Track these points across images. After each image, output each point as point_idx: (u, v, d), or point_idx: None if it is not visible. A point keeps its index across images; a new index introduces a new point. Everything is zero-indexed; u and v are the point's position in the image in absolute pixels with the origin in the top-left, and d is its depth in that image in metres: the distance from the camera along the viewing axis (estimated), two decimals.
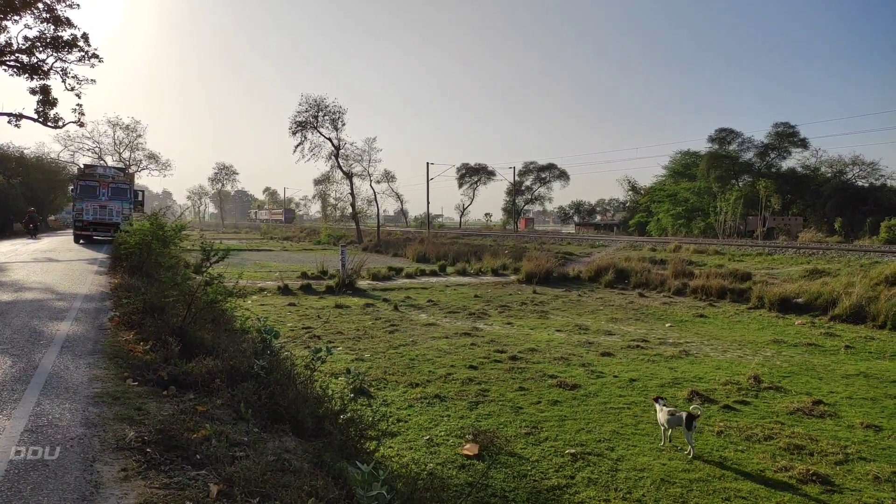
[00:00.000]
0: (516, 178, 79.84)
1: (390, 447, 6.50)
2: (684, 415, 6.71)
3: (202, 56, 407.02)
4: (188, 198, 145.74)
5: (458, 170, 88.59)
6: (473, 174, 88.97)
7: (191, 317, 6.84)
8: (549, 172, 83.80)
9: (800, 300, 17.12)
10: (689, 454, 6.66)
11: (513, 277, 25.78)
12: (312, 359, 5.70)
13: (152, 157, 69.26)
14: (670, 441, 6.91)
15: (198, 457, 3.70)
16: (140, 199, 28.22)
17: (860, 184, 56.60)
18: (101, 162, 57.62)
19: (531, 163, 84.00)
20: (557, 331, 14.30)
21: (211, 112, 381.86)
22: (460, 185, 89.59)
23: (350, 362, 10.60)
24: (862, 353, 12.17)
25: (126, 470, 3.46)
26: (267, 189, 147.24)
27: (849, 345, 12.81)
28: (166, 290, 8.11)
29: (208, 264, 7.09)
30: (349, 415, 5.24)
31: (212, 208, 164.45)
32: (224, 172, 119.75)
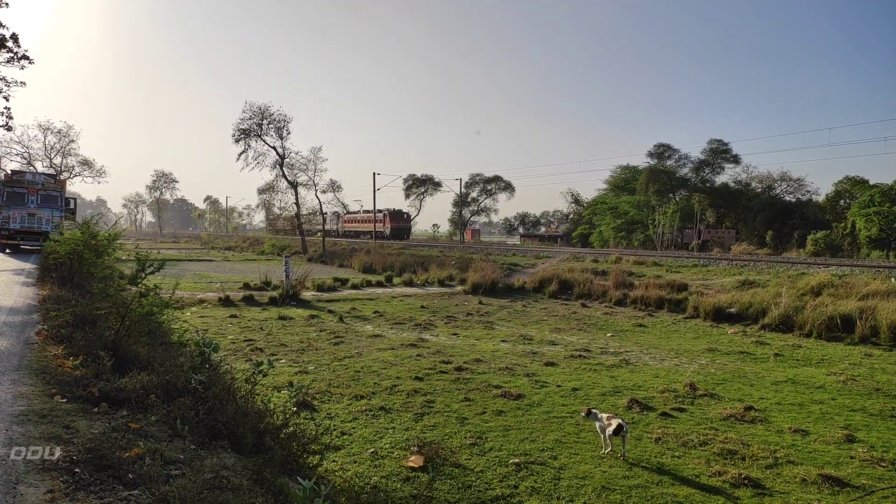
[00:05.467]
0: (463, 189, 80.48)
1: (334, 461, 6.40)
2: (615, 423, 6.89)
3: (140, 59, 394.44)
4: (124, 206, 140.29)
5: (405, 180, 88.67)
6: (420, 185, 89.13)
7: (124, 330, 6.58)
8: (495, 184, 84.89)
9: (732, 310, 17.85)
10: (605, 454, 7.00)
11: (459, 288, 25.91)
12: (254, 372, 5.56)
13: (86, 163, 66.47)
14: (611, 448, 7.06)
15: (130, 476, 3.56)
16: (72, 206, 27.09)
17: (788, 199, 59.74)
18: (31, 168, 54.87)
19: (477, 174, 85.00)
20: (502, 341, 14.44)
21: (149, 117, 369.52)
22: (407, 196, 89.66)
23: (293, 375, 10.40)
24: (790, 361, 12.76)
25: (53, 492, 3.29)
26: (208, 198, 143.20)
27: (778, 353, 13.41)
28: (98, 302, 7.79)
29: (143, 275, 6.84)
30: (291, 429, 5.14)
31: (150, 217, 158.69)
32: (163, 180, 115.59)
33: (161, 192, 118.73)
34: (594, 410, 7.48)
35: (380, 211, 72.64)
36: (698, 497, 5.95)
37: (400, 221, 73.23)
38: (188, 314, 16.34)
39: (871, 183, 49.68)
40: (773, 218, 53.28)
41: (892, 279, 19.62)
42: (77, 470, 3.56)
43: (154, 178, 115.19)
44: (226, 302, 19.48)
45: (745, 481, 6.28)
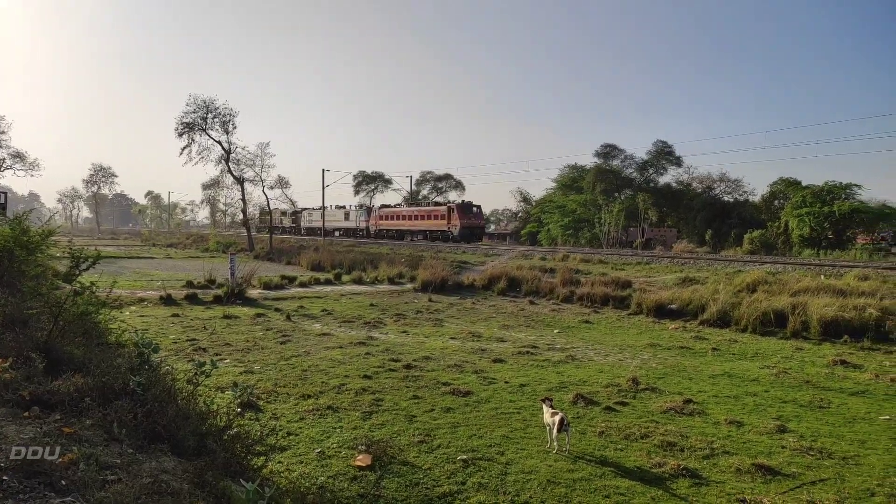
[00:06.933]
0: (413, 187, 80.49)
1: (280, 462, 6.31)
2: (557, 418, 7.02)
3: (78, 49, 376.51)
4: (59, 201, 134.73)
5: (355, 177, 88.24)
6: (370, 182, 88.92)
7: (58, 330, 6.30)
8: (446, 182, 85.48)
9: (673, 306, 18.43)
10: (551, 448, 7.13)
11: (409, 286, 25.90)
12: (196, 373, 5.41)
13: (18, 155, 63.60)
14: (556, 442, 7.19)
15: (63, 483, 3.42)
16: (2, 201, 25.88)
17: (726, 199, 62.11)
18: None
19: (428, 172, 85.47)
20: (452, 338, 14.51)
21: (88, 110, 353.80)
22: (356, 193, 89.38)
23: (238, 375, 10.20)
24: (726, 355, 13.27)
25: None
26: (150, 193, 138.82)
27: (715, 347, 13.93)
28: (30, 301, 7.44)
29: (78, 272, 6.57)
30: (235, 430, 5.03)
31: (87, 213, 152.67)
32: (101, 174, 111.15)
33: (99, 187, 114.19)
34: (550, 399, 7.68)
35: (440, 204, 58.42)
36: (639, 488, 6.13)
37: (471, 217, 52.98)
38: (127, 313, 15.80)
39: (804, 184, 52.13)
40: (712, 217, 55.30)
41: (822, 276, 20.65)
42: (5, 477, 3.40)
43: (91, 173, 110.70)
44: (167, 300, 18.93)
45: (684, 472, 6.51)
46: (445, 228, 53.00)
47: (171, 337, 13.42)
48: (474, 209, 54.49)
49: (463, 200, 54.23)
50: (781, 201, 55.83)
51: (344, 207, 73.27)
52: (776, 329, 15.74)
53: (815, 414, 8.93)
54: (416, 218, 58.55)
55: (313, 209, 75.18)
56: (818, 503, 5.75)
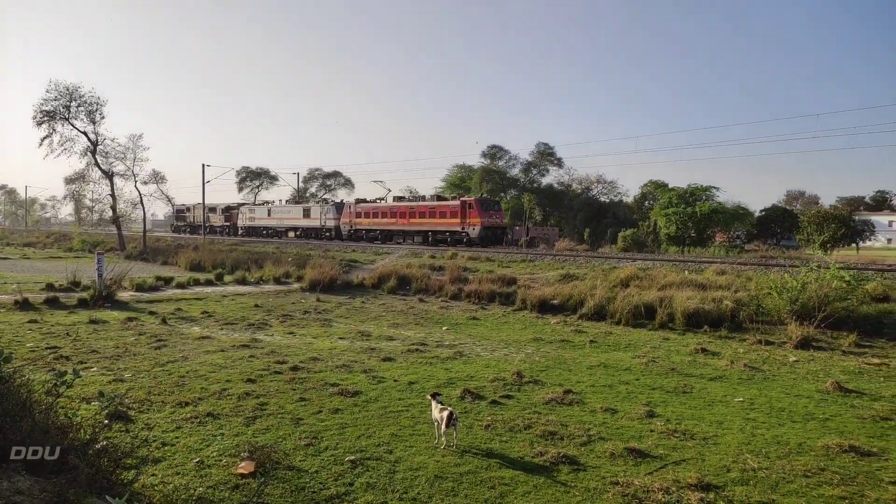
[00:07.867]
0: (300, 184, 78.58)
1: (154, 475, 5.92)
2: (446, 414, 7.16)
3: None
4: None
5: (239, 173, 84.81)
6: (255, 178, 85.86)
7: None
8: (335, 180, 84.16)
9: (555, 302, 19.27)
10: (439, 444, 7.24)
11: (296, 286, 25.24)
12: (56, 383, 4.97)
13: None
14: (444, 437, 7.29)
15: None
16: None
17: (603, 199, 66.08)
18: None
19: (316, 169, 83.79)
20: (340, 338, 14.31)
21: None
22: (240, 190, 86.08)
23: (106, 384, 9.46)
24: (603, 346, 14.07)
25: None
26: (3, 187, 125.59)
27: (593, 339, 14.72)
28: None
29: None
30: (102, 444, 4.68)
31: None
32: None
33: None
34: (439, 395, 7.78)
35: (442, 198, 49.13)
36: (522, 477, 6.36)
37: (492, 216, 43.78)
38: None
39: (670, 186, 56.49)
40: (590, 217, 58.60)
41: (686, 272, 22.45)
42: None
43: None
44: (24, 305, 17.22)
45: (564, 459, 6.83)
46: (459, 229, 43.58)
47: (29, 345, 12.23)
48: (495, 205, 46.33)
49: (482, 194, 46.00)
50: (651, 202, 60.20)
51: (301, 203, 63.32)
52: (646, 321, 16.89)
53: (679, 399, 9.68)
54: (413, 215, 47.42)
55: (255, 205, 65.56)
56: (681, 481, 6.24)
